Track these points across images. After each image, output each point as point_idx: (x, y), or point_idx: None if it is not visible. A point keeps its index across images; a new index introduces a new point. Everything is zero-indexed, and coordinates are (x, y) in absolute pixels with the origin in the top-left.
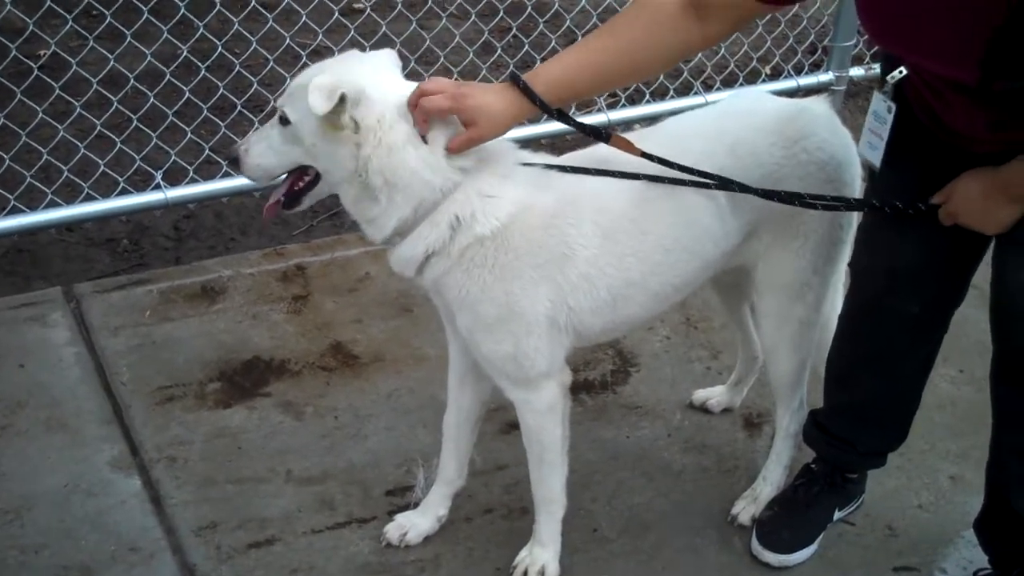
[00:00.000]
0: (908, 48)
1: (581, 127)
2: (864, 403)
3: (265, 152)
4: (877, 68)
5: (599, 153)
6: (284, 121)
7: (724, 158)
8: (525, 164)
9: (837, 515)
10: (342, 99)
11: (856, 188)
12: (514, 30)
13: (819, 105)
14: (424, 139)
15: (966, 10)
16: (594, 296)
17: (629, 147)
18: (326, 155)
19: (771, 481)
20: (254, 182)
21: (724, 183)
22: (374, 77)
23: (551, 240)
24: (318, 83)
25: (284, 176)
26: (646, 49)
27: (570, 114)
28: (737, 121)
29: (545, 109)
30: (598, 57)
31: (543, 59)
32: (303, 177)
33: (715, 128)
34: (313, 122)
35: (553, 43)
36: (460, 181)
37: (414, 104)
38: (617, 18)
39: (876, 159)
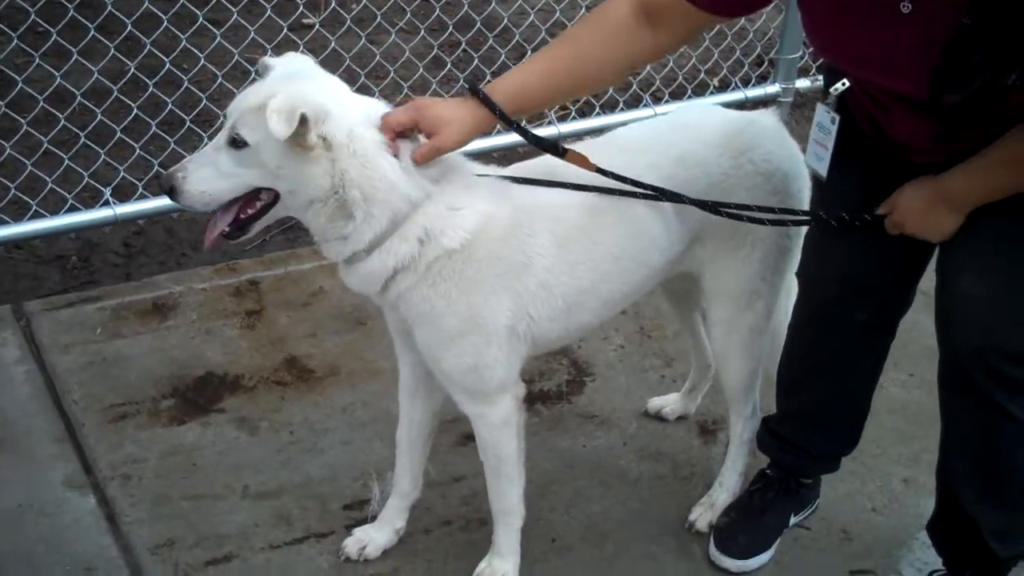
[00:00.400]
0: (856, 63)
1: (538, 141)
2: (815, 409)
3: (210, 178)
4: (822, 80)
5: (549, 163)
6: (238, 144)
7: (672, 168)
8: (481, 175)
9: (793, 520)
10: (303, 120)
11: (804, 199)
12: (463, 45)
13: (767, 118)
14: (395, 155)
15: (916, 26)
16: (551, 304)
17: (584, 163)
18: (295, 176)
19: (727, 487)
20: (193, 211)
21: (673, 196)
22: (328, 92)
23: (511, 250)
24: (276, 106)
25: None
26: (602, 58)
27: (525, 127)
28: (685, 133)
29: (504, 119)
30: (555, 67)
31: (493, 73)
32: (254, 203)
33: (664, 140)
34: (277, 144)
35: (503, 57)
36: (432, 192)
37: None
38: (573, 29)
39: (822, 169)
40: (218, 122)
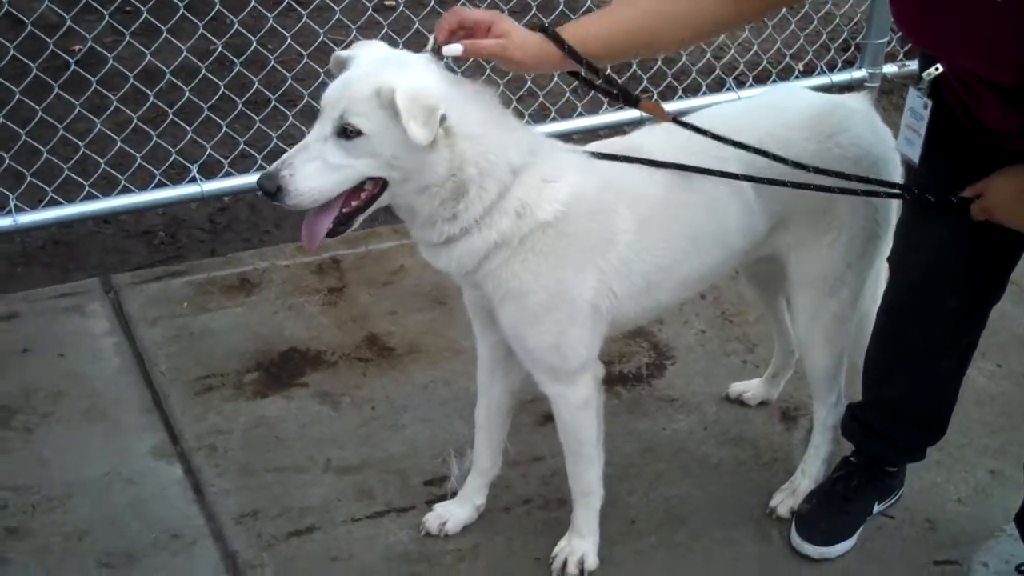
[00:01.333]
0: (946, 48)
1: (609, 88)
2: (902, 398)
3: (320, 172)
4: (910, 65)
5: (631, 142)
6: (348, 134)
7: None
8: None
9: (876, 508)
10: (442, 118)
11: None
12: (548, 24)
13: (857, 101)
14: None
15: (1008, 15)
16: (631, 282)
17: (659, 111)
18: (412, 165)
19: (809, 474)
20: (300, 209)
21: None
22: (429, 75)
23: (597, 225)
24: (411, 110)
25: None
26: (683, 14)
27: (596, 68)
28: (769, 115)
29: (574, 56)
30: (632, 16)
31: None
32: (358, 194)
33: (747, 121)
34: (395, 134)
35: None
36: (529, 161)
37: (450, 31)
38: None
39: (914, 154)
40: (302, 102)
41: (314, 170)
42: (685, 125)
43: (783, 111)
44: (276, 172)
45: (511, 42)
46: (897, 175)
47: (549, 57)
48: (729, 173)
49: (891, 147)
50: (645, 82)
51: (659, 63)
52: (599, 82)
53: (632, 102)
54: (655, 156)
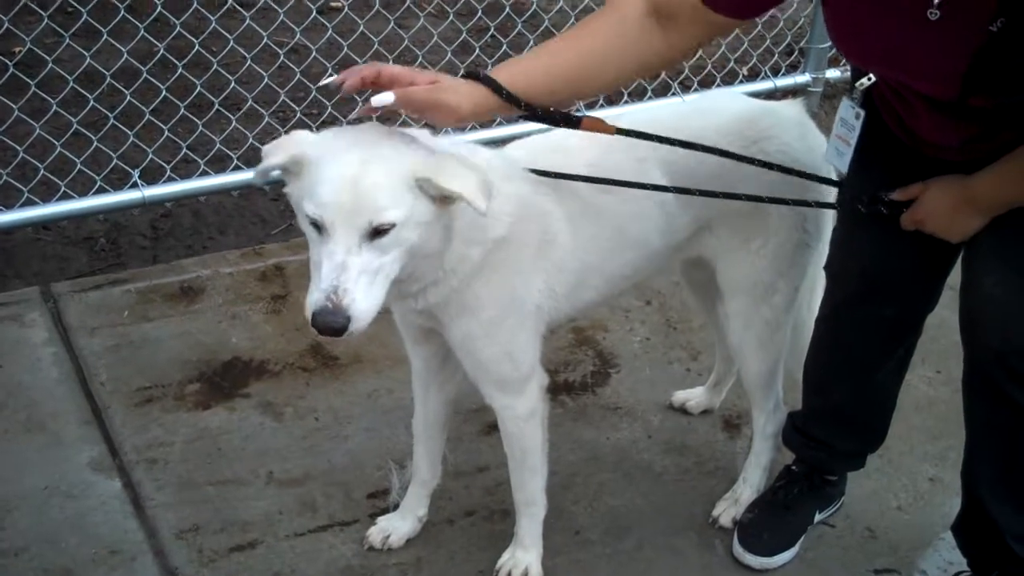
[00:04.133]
0: (882, 64)
1: (549, 115)
2: (841, 406)
3: (371, 283)
4: None
5: (556, 140)
6: (379, 233)
7: (673, 154)
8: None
9: (818, 517)
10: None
11: (826, 194)
12: (492, 30)
13: (790, 108)
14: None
15: (944, 32)
16: (566, 280)
17: (602, 126)
18: (430, 235)
19: (751, 483)
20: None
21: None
22: (424, 144)
23: (538, 227)
24: (472, 186)
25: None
26: (606, 55)
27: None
28: (697, 119)
29: (512, 100)
30: (557, 60)
31: None
32: None
33: (672, 125)
34: (421, 214)
35: (531, 43)
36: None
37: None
38: (582, 22)
39: (843, 165)
40: (246, 105)
41: (366, 284)
42: (629, 133)
43: (711, 115)
44: (337, 305)
45: (443, 88)
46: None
47: (486, 100)
48: (653, 184)
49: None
50: None
51: None
52: (539, 113)
53: (574, 124)
54: (579, 153)
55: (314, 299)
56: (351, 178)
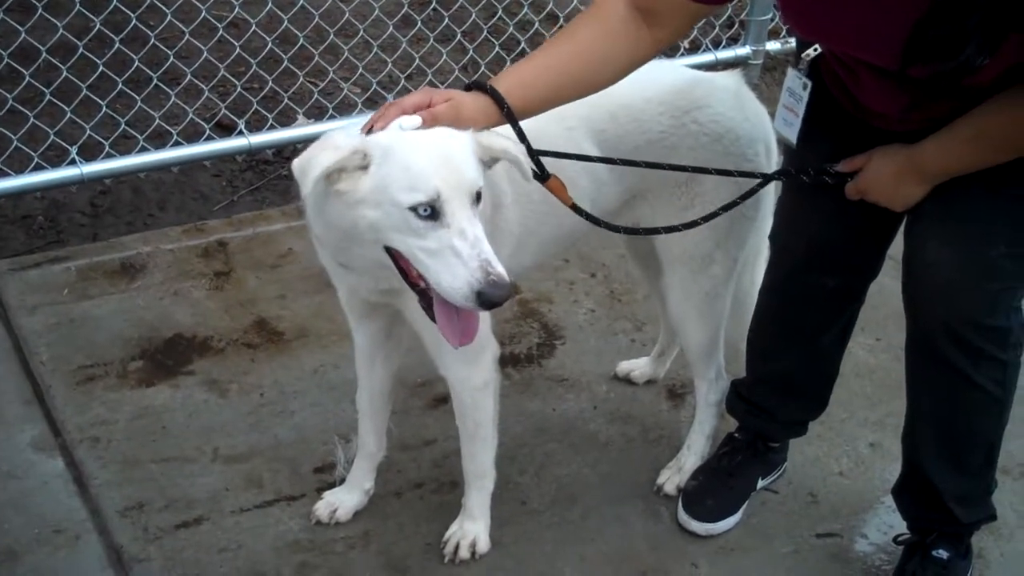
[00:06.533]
0: (828, 36)
1: (529, 151)
2: (784, 373)
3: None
4: (793, 42)
5: None
6: (479, 200)
7: (603, 123)
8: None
9: (760, 483)
10: None
11: (765, 163)
12: (434, 3)
13: (726, 78)
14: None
15: (893, 2)
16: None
17: (562, 195)
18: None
19: (695, 451)
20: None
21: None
22: None
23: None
24: (517, 150)
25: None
26: (603, 56)
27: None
28: (629, 87)
29: (511, 119)
30: (553, 64)
31: (463, 33)
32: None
33: (601, 94)
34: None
35: (473, 15)
36: None
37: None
38: (570, 27)
39: (792, 135)
40: (185, 79)
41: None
42: (581, 213)
43: (643, 84)
44: (497, 275)
45: (461, 104)
46: (772, 155)
47: (495, 113)
48: (596, 157)
49: (760, 125)
50: None
51: (547, 38)
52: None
53: (541, 178)
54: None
55: (473, 280)
56: (444, 154)
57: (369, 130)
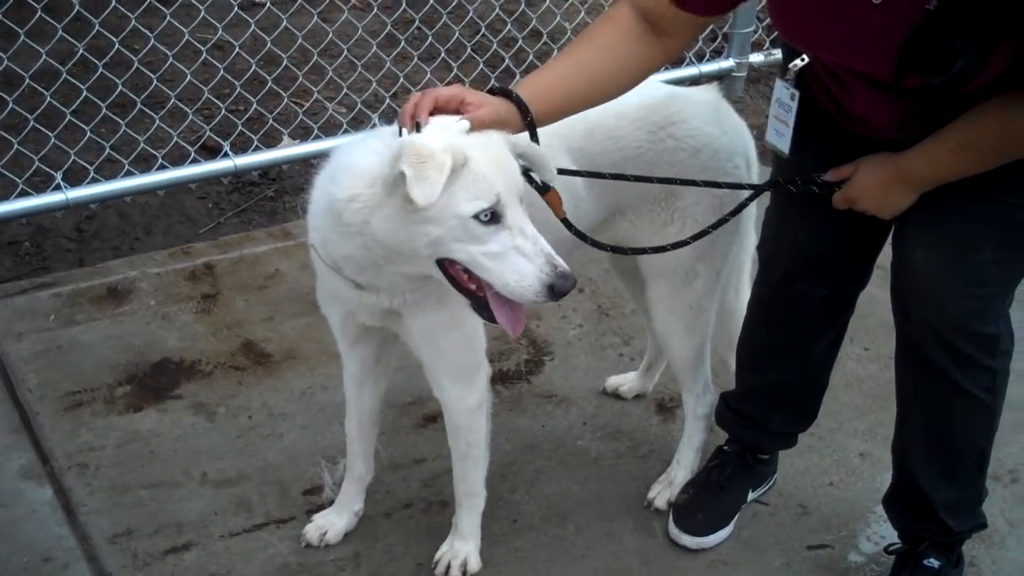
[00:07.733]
0: (826, 49)
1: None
2: (774, 385)
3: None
4: (776, 54)
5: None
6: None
7: (580, 141)
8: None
9: (751, 496)
10: None
11: (746, 176)
12: (417, 22)
13: (703, 93)
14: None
15: (884, 13)
16: None
17: (557, 208)
18: None
19: (684, 464)
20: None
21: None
22: None
23: None
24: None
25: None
26: (621, 61)
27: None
28: (603, 106)
29: (531, 128)
30: (575, 70)
31: (447, 51)
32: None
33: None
34: None
35: (457, 33)
36: None
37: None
38: (586, 35)
39: (784, 145)
40: (169, 103)
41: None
42: (569, 227)
43: (619, 101)
44: (561, 268)
45: (498, 108)
46: (752, 168)
47: (519, 119)
48: (576, 171)
49: (739, 138)
50: (519, 76)
51: (531, 55)
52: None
53: (540, 189)
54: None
55: (543, 274)
56: (497, 159)
57: (406, 125)
